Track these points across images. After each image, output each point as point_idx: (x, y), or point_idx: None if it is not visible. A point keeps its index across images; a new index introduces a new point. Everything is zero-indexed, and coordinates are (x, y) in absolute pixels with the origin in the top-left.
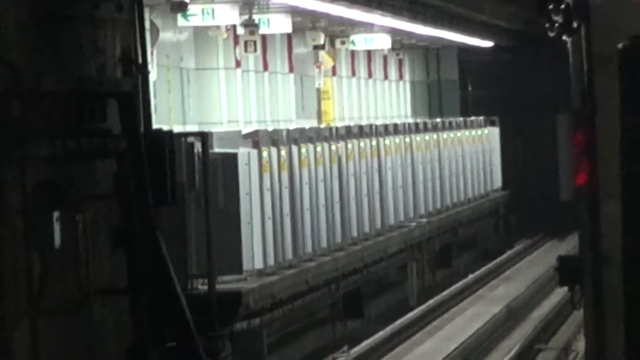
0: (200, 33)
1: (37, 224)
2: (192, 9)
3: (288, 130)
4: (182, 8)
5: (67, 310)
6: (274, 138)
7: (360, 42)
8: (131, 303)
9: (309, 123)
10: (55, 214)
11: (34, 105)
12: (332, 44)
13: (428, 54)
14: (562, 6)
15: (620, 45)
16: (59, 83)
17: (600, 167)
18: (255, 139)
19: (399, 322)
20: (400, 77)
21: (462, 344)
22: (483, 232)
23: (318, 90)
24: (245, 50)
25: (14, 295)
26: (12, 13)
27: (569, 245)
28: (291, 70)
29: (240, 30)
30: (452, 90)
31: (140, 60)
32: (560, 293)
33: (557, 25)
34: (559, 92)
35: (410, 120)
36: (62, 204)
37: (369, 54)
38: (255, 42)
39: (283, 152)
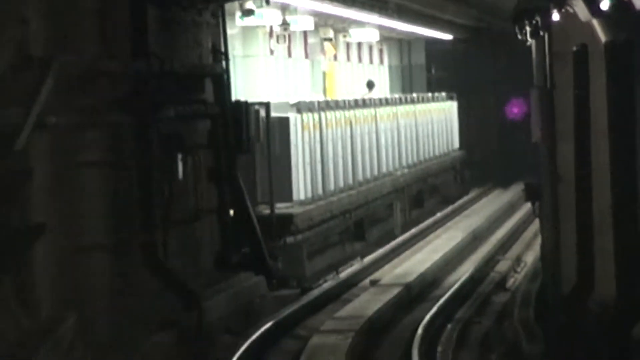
0: (245, 29)
1: (167, 161)
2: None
3: (318, 102)
4: (250, 14)
5: (185, 222)
6: (310, 107)
7: (356, 35)
8: (219, 220)
9: (319, 97)
10: (179, 155)
11: (166, 82)
12: (336, 38)
13: (402, 44)
14: (533, 21)
15: (574, 48)
16: (177, 67)
17: (557, 121)
18: (298, 107)
19: (394, 243)
20: (381, 62)
21: (444, 255)
22: (445, 182)
23: (323, 72)
24: (277, 42)
25: (157, 210)
26: (152, 22)
27: (512, 192)
28: (306, 57)
29: (275, 27)
30: (419, 72)
31: (223, 50)
32: (509, 225)
33: (525, 32)
34: (498, 75)
35: (397, 95)
36: (181, 149)
37: (359, 44)
38: (285, 36)
39: (316, 117)
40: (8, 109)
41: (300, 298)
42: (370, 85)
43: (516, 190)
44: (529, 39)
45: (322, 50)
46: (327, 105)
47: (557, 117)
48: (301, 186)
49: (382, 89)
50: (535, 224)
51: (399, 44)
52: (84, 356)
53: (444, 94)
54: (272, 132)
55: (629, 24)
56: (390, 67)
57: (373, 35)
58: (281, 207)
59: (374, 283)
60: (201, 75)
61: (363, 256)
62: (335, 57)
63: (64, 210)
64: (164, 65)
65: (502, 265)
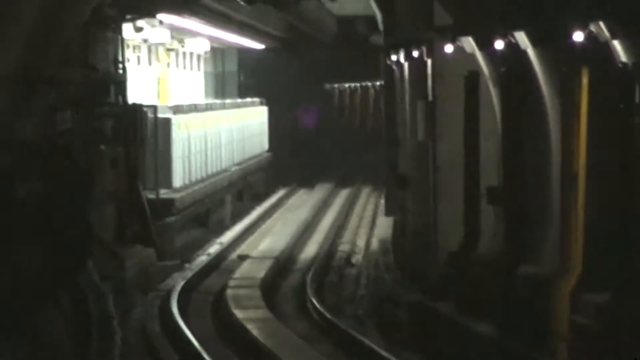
0: None
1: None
2: None
3: (186, 105)
4: (140, 30)
5: (114, 199)
6: (180, 109)
7: (190, 45)
8: (117, 202)
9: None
10: (102, 147)
11: (92, 86)
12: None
13: (216, 53)
14: (419, 50)
15: (465, 73)
16: (99, 75)
17: (437, 125)
18: (175, 110)
19: (237, 229)
20: (199, 69)
21: (290, 238)
22: (258, 180)
23: (158, 78)
24: (133, 52)
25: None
26: (78, 39)
27: (320, 191)
28: (150, 64)
29: (137, 39)
30: (232, 79)
31: (121, 61)
32: (330, 218)
33: (398, 55)
34: (294, 84)
35: (229, 100)
36: (101, 141)
37: (184, 53)
38: (139, 47)
39: (185, 117)
40: None
41: (186, 267)
42: None
43: (322, 190)
44: (402, 61)
45: (157, 58)
46: (190, 108)
47: (438, 122)
48: (178, 175)
49: (200, 94)
50: (355, 218)
51: (213, 52)
52: None
53: (257, 99)
54: (158, 130)
55: (512, 58)
56: (205, 74)
57: (205, 45)
58: (164, 193)
59: (243, 258)
60: (109, 82)
61: (218, 238)
62: (168, 65)
63: None
64: (92, 74)
65: (343, 247)
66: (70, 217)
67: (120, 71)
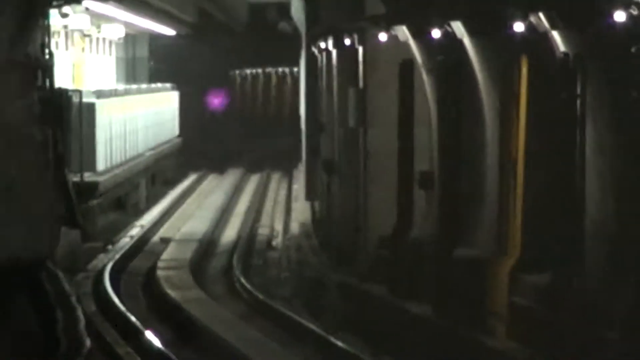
0: None
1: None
2: None
3: (107, 90)
4: (66, 16)
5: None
6: (103, 94)
7: (106, 30)
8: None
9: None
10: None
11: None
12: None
13: (128, 38)
14: (351, 38)
15: (399, 61)
16: (28, 60)
17: (369, 112)
18: (98, 94)
19: (155, 212)
20: (110, 54)
21: (209, 222)
22: (168, 165)
23: (73, 63)
24: (52, 37)
25: None
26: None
27: (230, 176)
28: (67, 49)
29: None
30: (143, 64)
31: (50, 48)
32: (244, 202)
33: (327, 42)
34: (204, 70)
35: (144, 85)
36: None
37: (97, 39)
38: (57, 32)
39: (107, 102)
40: None
41: (109, 249)
42: None
43: (233, 175)
44: (330, 48)
45: (72, 43)
46: (111, 93)
47: (368, 109)
48: (102, 159)
49: (113, 78)
50: (269, 202)
51: (125, 38)
52: None
53: (169, 84)
54: (82, 114)
55: (448, 47)
56: (117, 59)
57: (120, 31)
58: (88, 176)
59: (165, 240)
60: (38, 67)
61: (137, 221)
62: (83, 50)
63: None
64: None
65: (262, 230)
66: (46, 198)
67: (47, 56)
